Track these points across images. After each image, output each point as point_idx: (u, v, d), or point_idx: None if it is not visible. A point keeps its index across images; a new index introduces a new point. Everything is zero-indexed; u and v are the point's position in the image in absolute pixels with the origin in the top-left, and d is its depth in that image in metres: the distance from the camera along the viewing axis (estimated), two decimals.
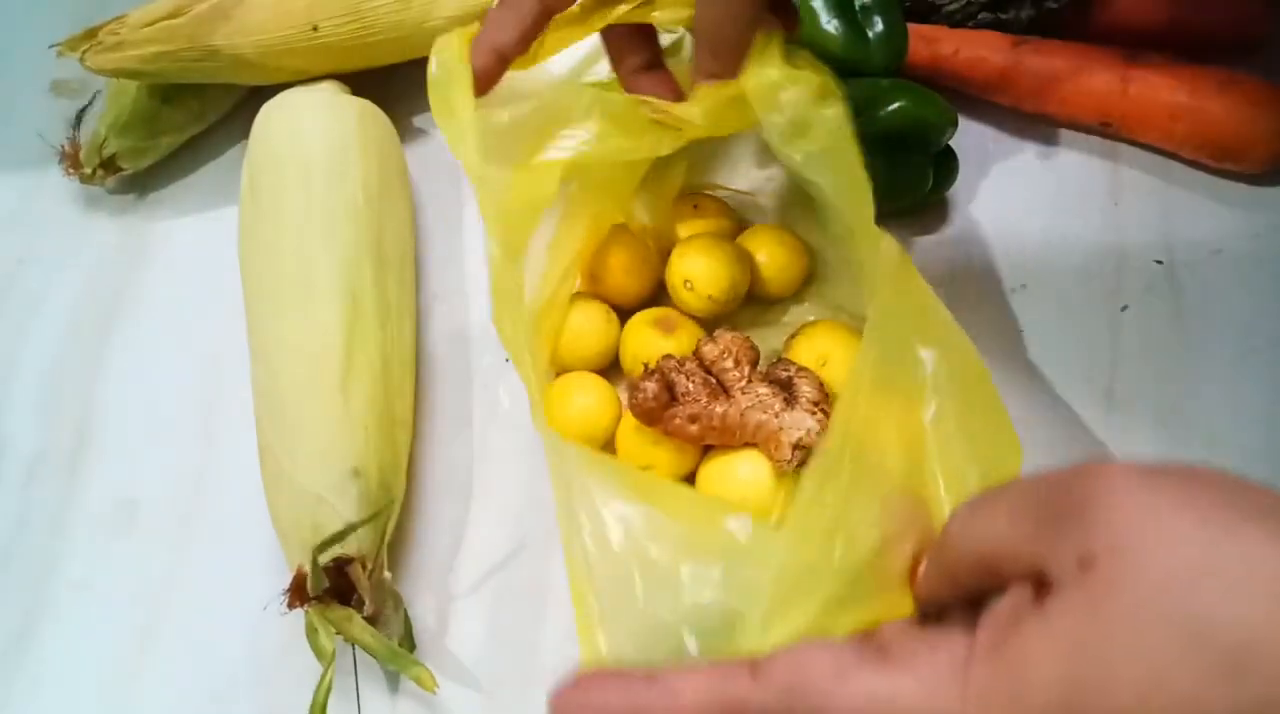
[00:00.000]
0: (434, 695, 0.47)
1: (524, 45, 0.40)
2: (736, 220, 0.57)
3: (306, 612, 0.46)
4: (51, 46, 0.58)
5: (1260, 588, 0.21)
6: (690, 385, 0.48)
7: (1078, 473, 0.24)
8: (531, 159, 0.43)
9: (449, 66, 0.40)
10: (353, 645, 0.47)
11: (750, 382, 0.49)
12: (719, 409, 0.48)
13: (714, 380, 0.49)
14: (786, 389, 0.48)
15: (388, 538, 0.48)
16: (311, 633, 0.46)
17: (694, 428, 0.48)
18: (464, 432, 0.56)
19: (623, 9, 0.42)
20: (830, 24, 0.56)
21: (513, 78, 0.41)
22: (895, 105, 0.55)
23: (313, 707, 0.44)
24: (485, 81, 0.40)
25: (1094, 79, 0.59)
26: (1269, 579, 0.21)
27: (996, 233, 0.59)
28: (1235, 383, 0.53)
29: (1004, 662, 0.24)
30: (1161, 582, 0.21)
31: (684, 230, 0.56)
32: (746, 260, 0.54)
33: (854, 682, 0.25)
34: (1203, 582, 0.21)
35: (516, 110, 0.42)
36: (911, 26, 0.58)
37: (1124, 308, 0.56)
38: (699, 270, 0.53)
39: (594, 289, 0.55)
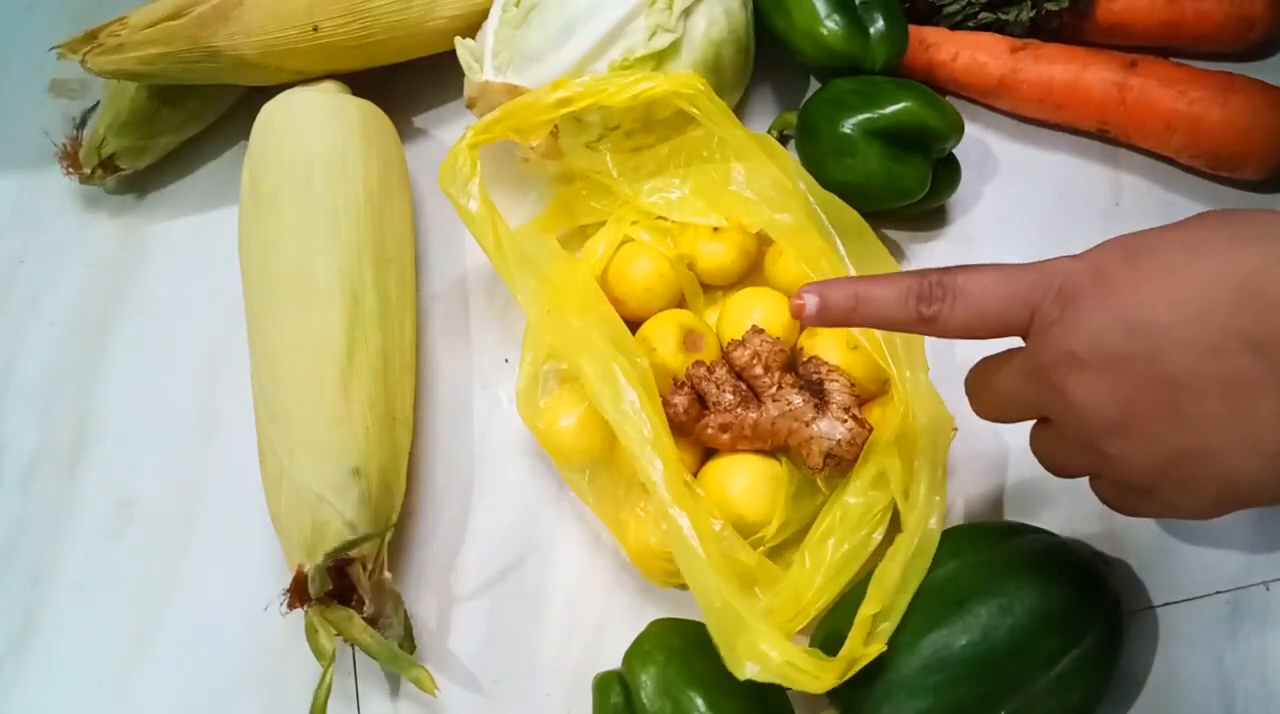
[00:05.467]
0: (434, 697, 0.47)
1: None
2: (753, 237, 0.56)
3: (306, 612, 0.46)
4: (52, 49, 0.58)
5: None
6: (721, 395, 0.49)
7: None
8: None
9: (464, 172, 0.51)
10: (353, 646, 0.47)
11: (781, 387, 0.49)
12: (751, 416, 0.48)
13: (744, 386, 0.49)
14: (818, 393, 0.48)
15: (388, 538, 0.48)
16: (311, 634, 0.46)
17: (726, 436, 0.49)
18: (464, 432, 0.56)
19: None
20: (830, 20, 0.56)
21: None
22: (901, 104, 0.54)
23: (313, 709, 0.45)
24: None
25: (1091, 88, 0.59)
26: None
27: (996, 234, 0.59)
28: None
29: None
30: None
31: (705, 251, 0.55)
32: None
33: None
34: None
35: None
36: (910, 30, 0.58)
37: None
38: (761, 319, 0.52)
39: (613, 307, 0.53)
